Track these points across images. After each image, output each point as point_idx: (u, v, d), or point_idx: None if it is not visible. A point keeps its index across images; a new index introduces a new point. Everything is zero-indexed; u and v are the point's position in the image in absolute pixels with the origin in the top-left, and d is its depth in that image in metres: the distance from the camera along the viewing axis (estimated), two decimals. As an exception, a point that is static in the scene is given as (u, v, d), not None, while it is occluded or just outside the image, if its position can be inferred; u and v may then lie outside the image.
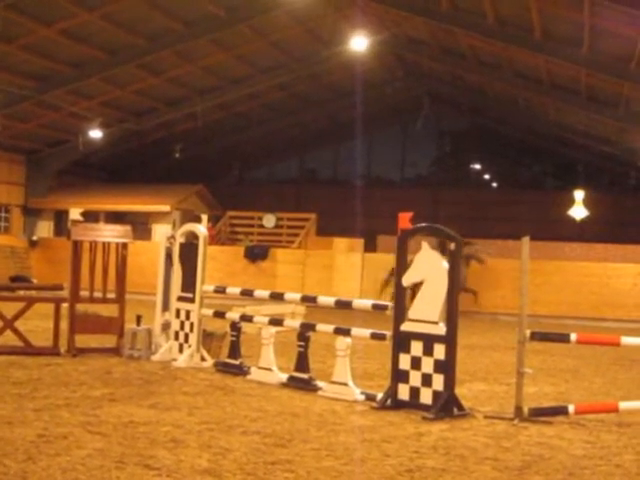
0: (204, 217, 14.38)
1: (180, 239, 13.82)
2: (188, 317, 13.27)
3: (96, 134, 33.37)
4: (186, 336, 13.26)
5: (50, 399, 9.68)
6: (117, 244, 14.20)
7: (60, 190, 35.97)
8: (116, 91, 31.33)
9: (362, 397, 10.52)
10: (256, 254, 30.76)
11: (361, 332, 11.05)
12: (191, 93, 33.36)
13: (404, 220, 10.56)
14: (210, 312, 13.14)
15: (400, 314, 10.22)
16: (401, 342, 10.15)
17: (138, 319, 13.91)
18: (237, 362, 12.43)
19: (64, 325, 13.75)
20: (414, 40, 30.90)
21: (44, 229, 35.31)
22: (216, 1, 25.54)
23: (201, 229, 13.60)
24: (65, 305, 13.89)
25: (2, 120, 29.97)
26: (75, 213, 14.49)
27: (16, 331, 13.68)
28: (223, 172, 47.48)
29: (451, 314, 9.82)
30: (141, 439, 7.90)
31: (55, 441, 7.68)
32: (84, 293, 14.00)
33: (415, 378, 9.96)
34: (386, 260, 25.52)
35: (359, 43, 27.64)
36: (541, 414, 9.71)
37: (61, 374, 11.63)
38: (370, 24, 28.36)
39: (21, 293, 19.98)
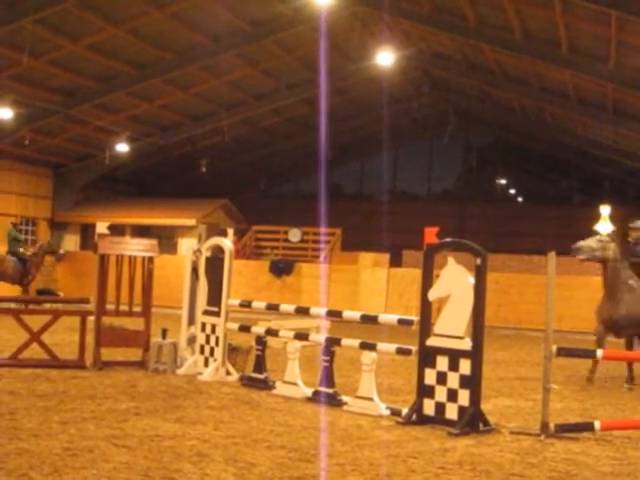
0: (230, 231, 14.41)
1: (206, 253, 13.85)
2: (214, 331, 13.27)
3: (123, 148, 33.55)
4: (212, 350, 13.27)
5: (76, 412, 9.71)
6: (143, 258, 14.24)
7: (86, 204, 36.15)
8: (143, 105, 31.48)
9: (387, 412, 10.49)
10: (281, 268, 30.76)
11: (387, 347, 11.03)
12: (217, 108, 33.46)
13: (430, 235, 10.55)
14: (235, 326, 13.14)
15: (426, 329, 10.20)
16: (427, 357, 10.12)
17: (164, 333, 13.94)
18: (262, 376, 12.42)
19: (90, 338, 13.79)
20: (440, 55, 30.89)
21: (70, 242, 35.45)
22: (243, 16, 25.65)
23: (227, 243, 13.62)
24: (91, 318, 13.94)
25: (30, 134, 30.17)
26: (102, 227, 14.54)
27: (42, 344, 13.74)
28: (249, 186, 47.60)
29: (477, 329, 9.79)
30: (167, 453, 7.91)
31: (81, 454, 7.70)
32: (110, 306, 14.05)
33: (441, 393, 9.93)
34: (412, 275, 25.54)
35: (385, 58, 27.68)
36: (567, 430, 9.65)
37: (87, 387, 11.66)
38: (396, 39, 28.40)
39: (47, 306, 20.07)
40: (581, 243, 14.62)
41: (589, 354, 10.81)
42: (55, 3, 22.29)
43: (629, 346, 15.15)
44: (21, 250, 25.88)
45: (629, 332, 14.66)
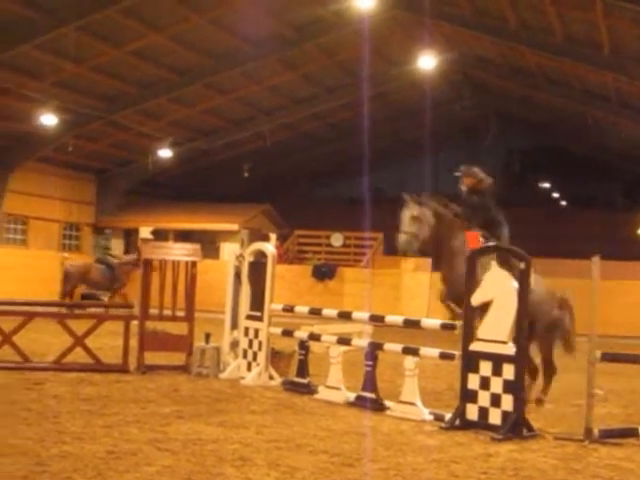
0: (273, 236, 14.44)
1: (249, 258, 13.88)
2: (257, 335, 13.30)
3: (166, 153, 33.75)
4: (254, 354, 13.29)
5: (119, 416, 9.76)
6: (186, 262, 14.30)
7: (129, 209, 36.37)
8: (184, 111, 31.66)
9: (430, 417, 10.43)
10: (323, 273, 30.76)
11: (429, 352, 10.99)
12: (258, 113, 33.58)
13: (473, 239, 10.51)
14: (278, 331, 13.17)
15: (469, 334, 10.16)
16: (470, 362, 10.07)
17: (207, 337, 13.98)
18: (305, 381, 12.43)
19: (133, 343, 13.86)
20: (482, 58, 30.82)
21: (114, 247, 35.66)
22: (284, 21, 25.71)
23: (269, 248, 13.65)
24: (135, 323, 14.02)
25: (73, 140, 30.44)
26: (145, 232, 14.67)
27: (86, 348, 13.83)
28: (290, 191, 47.66)
29: (521, 334, 9.73)
30: (209, 457, 7.93)
31: (124, 457, 7.73)
32: (153, 311, 14.12)
33: (484, 398, 9.87)
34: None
35: (426, 62, 27.67)
36: (611, 436, 9.56)
37: (130, 391, 11.72)
38: (437, 43, 28.36)
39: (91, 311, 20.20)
40: (402, 238, 12.01)
41: (633, 359, 10.71)
42: (97, 10, 22.48)
43: None
44: (110, 257, 26.29)
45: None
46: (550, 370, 12.40)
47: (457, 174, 12.57)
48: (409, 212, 11.99)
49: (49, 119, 27.80)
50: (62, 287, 25.28)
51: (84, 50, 24.58)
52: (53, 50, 24.11)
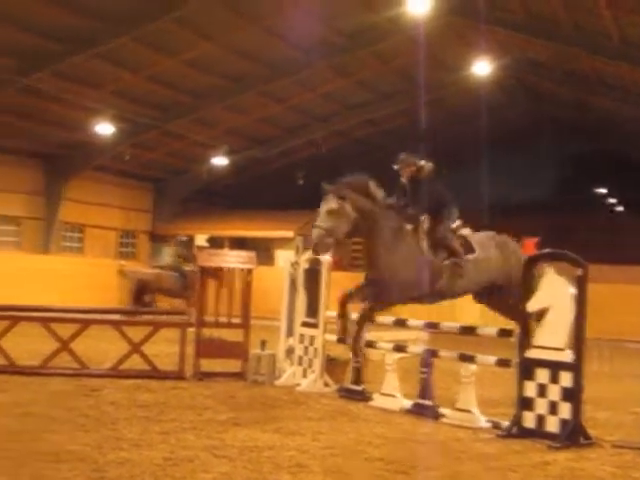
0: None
1: (304, 265, 13.88)
2: (312, 342, 13.31)
3: (221, 162, 33.93)
4: (310, 361, 13.29)
5: (176, 422, 9.80)
6: (242, 270, 14.35)
7: (185, 216, 36.63)
8: (240, 119, 31.82)
9: (487, 425, 10.37)
10: (377, 280, 30.63)
11: (486, 359, 10.94)
12: (312, 120, 33.64)
13: (529, 246, 10.45)
14: (334, 338, 13.16)
15: (525, 341, 10.08)
16: (526, 369, 10.00)
17: (262, 344, 14.02)
18: (360, 388, 12.41)
19: (190, 349, 13.93)
20: (536, 63, 30.62)
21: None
22: (336, 28, 25.75)
23: (325, 255, 13.64)
24: (191, 330, 14.08)
25: (130, 149, 30.74)
26: (201, 239, 14.72)
27: (143, 355, 13.92)
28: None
29: (578, 341, 9.64)
30: (266, 463, 7.94)
31: (181, 464, 7.76)
32: (209, 318, 14.18)
33: (541, 406, 9.79)
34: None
35: (481, 68, 27.56)
36: (671, 444, 9.46)
37: (186, 398, 11.78)
38: (491, 49, 28.24)
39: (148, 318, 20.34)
40: (315, 233, 11.17)
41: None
42: (152, 20, 22.69)
43: None
44: (183, 265, 26.55)
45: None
46: None
47: (396, 167, 11.93)
48: (327, 206, 11.14)
49: (106, 128, 28.11)
50: (134, 295, 25.31)
51: (139, 60, 24.87)
52: (111, 59, 24.40)
